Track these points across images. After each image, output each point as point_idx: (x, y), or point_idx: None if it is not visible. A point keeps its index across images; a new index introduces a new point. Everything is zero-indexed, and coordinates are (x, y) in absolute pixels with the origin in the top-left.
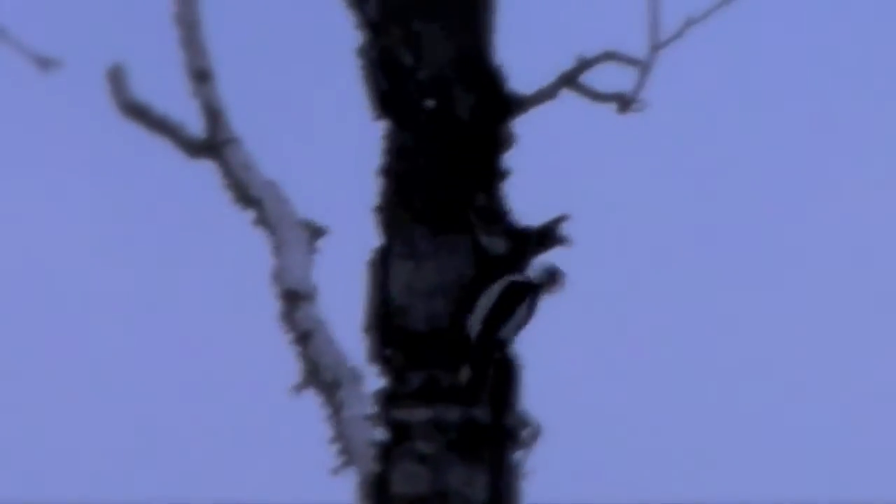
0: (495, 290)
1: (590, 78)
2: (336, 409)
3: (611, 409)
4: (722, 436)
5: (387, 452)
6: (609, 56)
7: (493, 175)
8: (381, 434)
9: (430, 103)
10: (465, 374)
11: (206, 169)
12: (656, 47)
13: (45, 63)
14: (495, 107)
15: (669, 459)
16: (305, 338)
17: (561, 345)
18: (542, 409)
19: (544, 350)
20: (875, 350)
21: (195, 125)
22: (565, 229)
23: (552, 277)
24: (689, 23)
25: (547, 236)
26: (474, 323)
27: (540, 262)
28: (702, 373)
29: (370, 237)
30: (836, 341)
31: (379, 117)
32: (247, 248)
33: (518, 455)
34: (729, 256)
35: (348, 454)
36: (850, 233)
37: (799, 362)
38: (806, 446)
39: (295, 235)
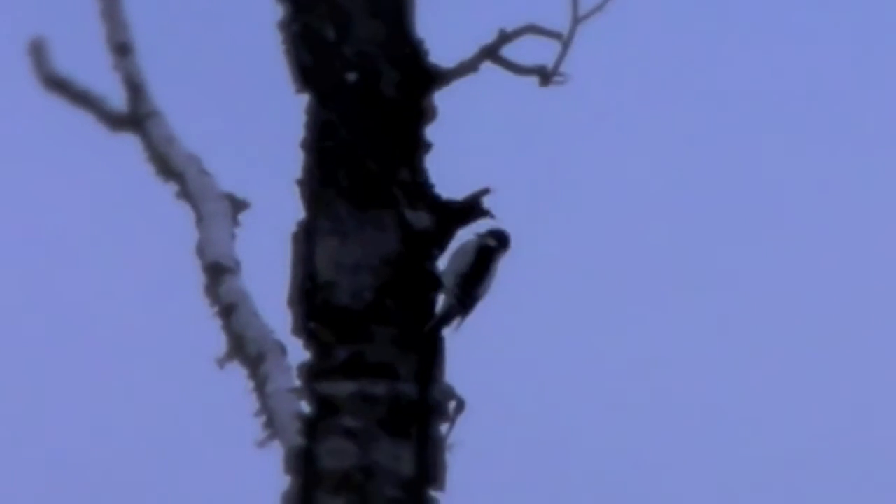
0: (470, 249)
1: (511, 51)
2: (260, 382)
3: (533, 383)
4: (633, 401)
5: (312, 426)
6: (530, 29)
7: (416, 149)
8: (306, 408)
9: (352, 77)
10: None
11: (129, 142)
12: (577, 20)
13: None
14: (417, 80)
15: (591, 434)
16: (229, 311)
17: (483, 319)
18: (466, 383)
19: (468, 324)
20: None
21: (117, 98)
22: (488, 202)
23: (504, 242)
24: None
25: (470, 210)
26: (449, 276)
27: (489, 229)
28: (621, 341)
29: (293, 210)
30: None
31: (301, 91)
32: (170, 221)
33: (443, 429)
34: (647, 226)
35: (273, 427)
36: (760, 199)
37: (721, 358)
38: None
39: (217, 208)
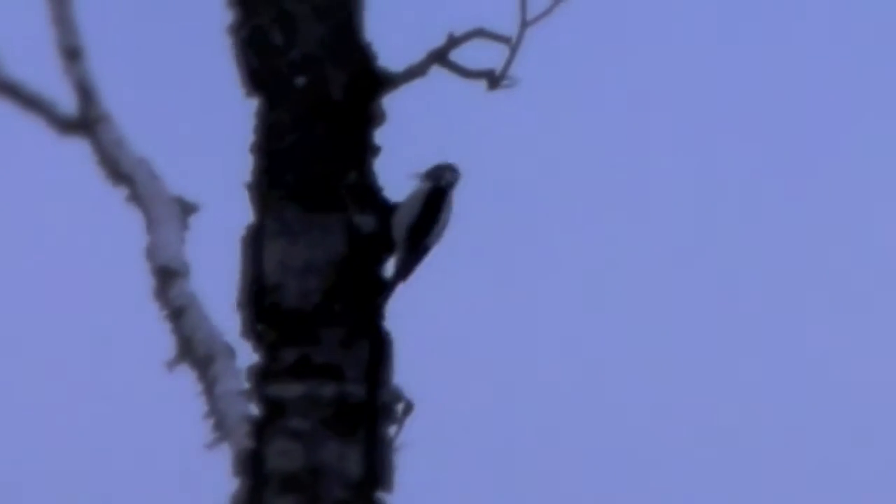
0: (419, 196)
1: (459, 55)
2: (209, 384)
3: (482, 384)
4: (592, 416)
5: (261, 428)
6: (478, 33)
7: (364, 152)
8: (254, 410)
9: (300, 81)
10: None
11: (79, 146)
12: (525, 24)
13: None
14: (366, 84)
15: (541, 435)
16: (179, 314)
17: (431, 319)
18: (414, 384)
19: (415, 324)
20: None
21: (67, 103)
22: None
23: (454, 176)
24: (559, 0)
25: None
26: (399, 229)
27: (435, 165)
28: (571, 341)
29: (243, 214)
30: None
31: (250, 95)
32: (120, 224)
33: (391, 430)
34: (596, 229)
35: (222, 429)
36: (709, 201)
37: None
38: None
39: (167, 212)
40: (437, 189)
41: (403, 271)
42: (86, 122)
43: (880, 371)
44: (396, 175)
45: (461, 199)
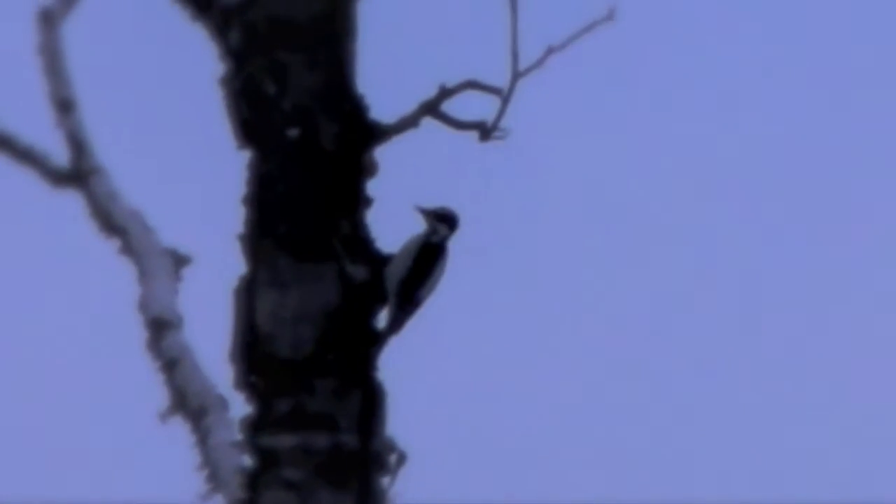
0: (411, 249)
1: (451, 106)
2: (203, 435)
3: (473, 434)
4: (587, 461)
5: (254, 479)
6: (470, 84)
7: (356, 203)
8: (248, 461)
9: (293, 132)
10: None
11: (72, 198)
12: (517, 76)
13: None
14: (358, 135)
15: (534, 488)
16: (172, 365)
17: (423, 370)
18: (407, 434)
19: (407, 375)
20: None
21: (60, 155)
22: None
23: (451, 226)
24: (550, 51)
25: None
26: (391, 281)
27: (433, 213)
28: (566, 405)
29: (235, 266)
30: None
31: (242, 146)
32: (113, 276)
33: (385, 481)
34: (589, 282)
35: (216, 481)
36: (706, 251)
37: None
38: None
39: (160, 264)
40: (429, 244)
41: (396, 324)
42: (79, 174)
43: None
44: (389, 226)
45: (454, 250)
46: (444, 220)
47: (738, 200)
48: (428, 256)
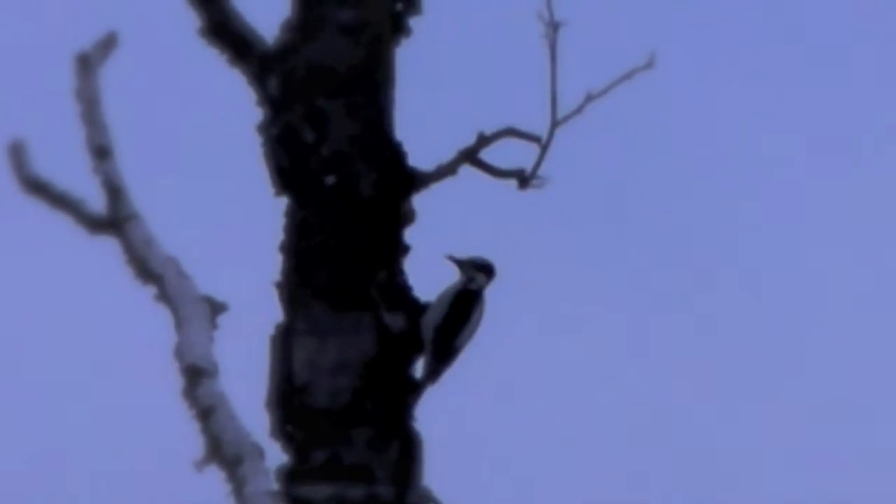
0: (447, 297)
1: (490, 154)
2: (238, 485)
3: (510, 485)
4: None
5: None
6: (509, 132)
7: (394, 251)
8: None
9: (331, 180)
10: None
11: (108, 245)
12: (556, 123)
13: None
14: (396, 183)
15: None
16: (207, 413)
17: (460, 420)
18: (443, 484)
19: (445, 426)
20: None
21: (96, 201)
22: None
23: (488, 274)
24: (589, 99)
25: None
26: (427, 330)
27: (469, 262)
28: (605, 447)
29: (271, 313)
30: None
31: (280, 193)
32: (148, 324)
33: None
34: (628, 330)
35: None
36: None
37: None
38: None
39: (196, 311)
40: (466, 291)
41: (433, 374)
42: (115, 220)
43: None
44: (426, 274)
45: (492, 298)
46: (481, 270)
47: (781, 242)
48: (464, 304)
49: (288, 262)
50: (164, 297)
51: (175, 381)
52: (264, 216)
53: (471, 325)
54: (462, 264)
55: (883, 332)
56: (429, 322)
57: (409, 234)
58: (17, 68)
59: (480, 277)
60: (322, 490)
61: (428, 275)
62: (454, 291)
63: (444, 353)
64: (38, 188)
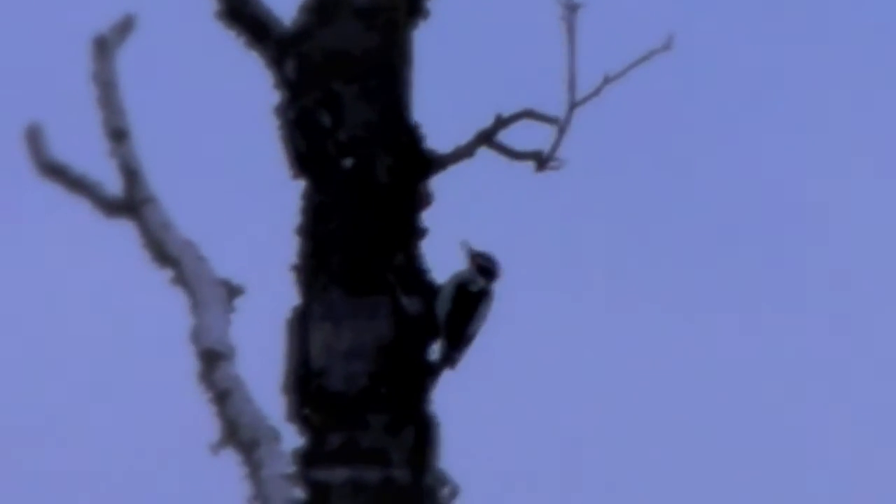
0: (450, 291)
1: (507, 136)
2: (255, 468)
3: (526, 469)
4: (639, 497)
5: None
6: (526, 114)
7: (410, 234)
8: (300, 494)
9: (347, 163)
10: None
11: (125, 228)
12: (573, 105)
13: None
14: (413, 166)
15: None
16: (224, 397)
17: (476, 403)
18: (459, 467)
19: (460, 409)
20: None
21: (113, 184)
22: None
23: (490, 278)
24: (607, 81)
25: None
26: (440, 317)
27: (476, 258)
28: (620, 433)
29: (288, 296)
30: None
31: (296, 177)
32: (165, 307)
33: None
34: (641, 312)
35: None
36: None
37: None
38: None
39: (213, 294)
40: (464, 291)
41: (448, 359)
42: (132, 203)
43: None
44: (444, 256)
45: (509, 282)
46: (483, 272)
47: (799, 227)
48: (466, 302)
49: (305, 246)
50: (181, 280)
51: (192, 364)
52: (281, 200)
53: (476, 319)
54: (472, 258)
55: None
56: (439, 309)
57: (426, 217)
58: (34, 52)
59: (482, 281)
60: (338, 473)
61: (445, 257)
62: (455, 283)
63: (456, 340)
64: (56, 172)
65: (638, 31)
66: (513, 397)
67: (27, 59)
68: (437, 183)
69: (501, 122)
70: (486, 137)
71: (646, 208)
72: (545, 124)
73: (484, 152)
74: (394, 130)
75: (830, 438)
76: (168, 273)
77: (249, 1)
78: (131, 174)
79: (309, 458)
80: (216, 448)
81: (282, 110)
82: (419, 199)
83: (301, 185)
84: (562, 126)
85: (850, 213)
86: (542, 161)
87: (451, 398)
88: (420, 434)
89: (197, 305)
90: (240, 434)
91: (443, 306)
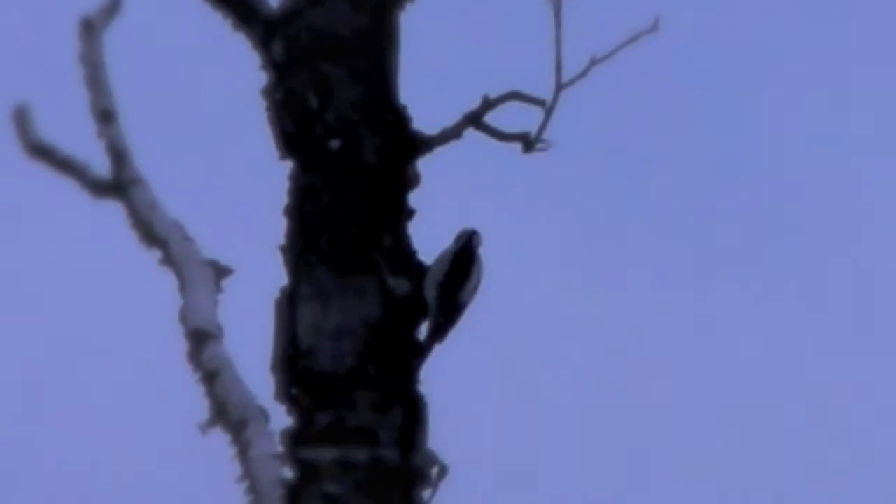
0: (447, 255)
1: (494, 117)
2: (243, 447)
3: (516, 448)
4: (627, 476)
5: (294, 492)
6: (513, 96)
7: (398, 215)
8: (288, 473)
9: (335, 144)
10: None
11: (112, 209)
12: (560, 87)
13: None
14: (400, 147)
15: (578, 497)
16: (212, 376)
17: (465, 383)
18: (448, 447)
19: (449, 389)
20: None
21: (100, 166)
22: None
23: (479, 238)
24: (594, 62)
25: None
26: (430, 289)
27: (460, 230)
28: (607, 411)
29: (276, 276)
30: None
31: (284, 158)
32: (153, 287)
33: (426, 494)
34: (627, 298)
35: (256, 493)
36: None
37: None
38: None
39: (201, 275)
40: (466, 248)
41: (438, 333)
42: (119, 184)
43: None
44: (431, 237)
45: (496, 263)
46: (472, 233)
47: (786, 208)
48: (465, 259)
49: (292, 226)
50: (169, 260)
51: (180, 344)
52: (269, 180)
53: (472, 281)
54: (456, 239)
55: None
56: (431, 281)
57: (414, 198)
58: (21, 32)
59: (476, 237)
60: (326, 453)
61: (432, 239)
62: (453, 249)
63: (449, 308)
64: (43, 152)
65: (625, 12)
66: (502, 377)
67: (14, 40)
68: (425, 164)
69: (488, 104)
70: (474, 119)
71: (632, 189)
72: (532, 106)
73: (471, 134)
74: (381, 112)
75: (835, 438)
76: (156, 254)
77: None
78: (119, 155)
79: (297, 438)
80: (205, 428)
81: (269, 91)
82: (406, 181)
83: (289, 165)
84: (549, 108)
85: (829, 193)
86: (529, 142)
87: (440, 378)
88: (408, 414)
89: (185, 286)
90: (228, 413)
91: (438, 273)
